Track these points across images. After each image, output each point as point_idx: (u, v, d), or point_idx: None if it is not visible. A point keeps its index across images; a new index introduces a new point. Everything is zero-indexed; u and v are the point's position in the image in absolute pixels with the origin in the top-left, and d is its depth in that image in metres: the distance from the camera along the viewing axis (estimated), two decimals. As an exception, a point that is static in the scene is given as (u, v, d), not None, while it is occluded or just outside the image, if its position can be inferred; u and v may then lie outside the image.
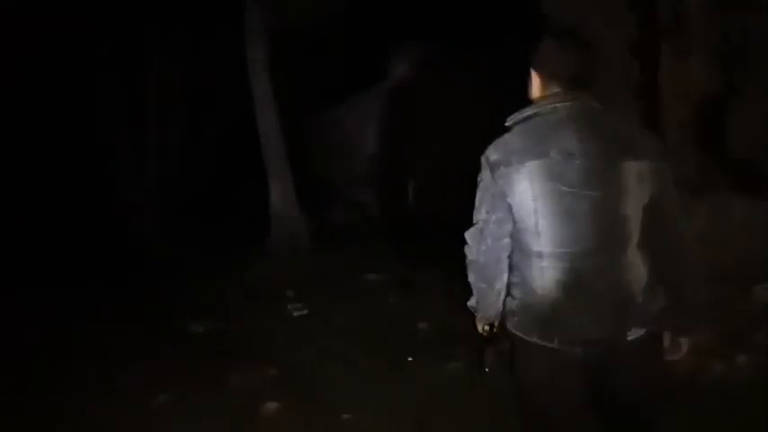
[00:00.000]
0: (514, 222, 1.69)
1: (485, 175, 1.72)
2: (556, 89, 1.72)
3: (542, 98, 1.74)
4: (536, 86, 1.77)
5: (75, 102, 9.17)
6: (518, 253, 1.71)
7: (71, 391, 3.99)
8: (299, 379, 3.96)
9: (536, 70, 1.76)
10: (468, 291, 1.90)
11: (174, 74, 9.50)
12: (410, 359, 4.13)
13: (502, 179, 1.66)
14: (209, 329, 5.16)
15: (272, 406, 3.57)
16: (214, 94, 9.86)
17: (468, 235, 1.79)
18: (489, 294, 1.79)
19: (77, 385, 4.09)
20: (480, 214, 1.75)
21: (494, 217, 1.71)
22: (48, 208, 9.04)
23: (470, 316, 1.98)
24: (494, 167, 1.68)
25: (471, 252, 1.78)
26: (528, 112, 1.73)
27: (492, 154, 1.71)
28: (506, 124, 1.76)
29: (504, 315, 1.81)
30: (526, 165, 1.63)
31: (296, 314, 5.48)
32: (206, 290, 6.22)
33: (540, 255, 1.65)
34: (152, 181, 9.65)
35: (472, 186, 1.79)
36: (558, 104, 1.70)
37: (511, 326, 1.77)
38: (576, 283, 1.64)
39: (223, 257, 7.55)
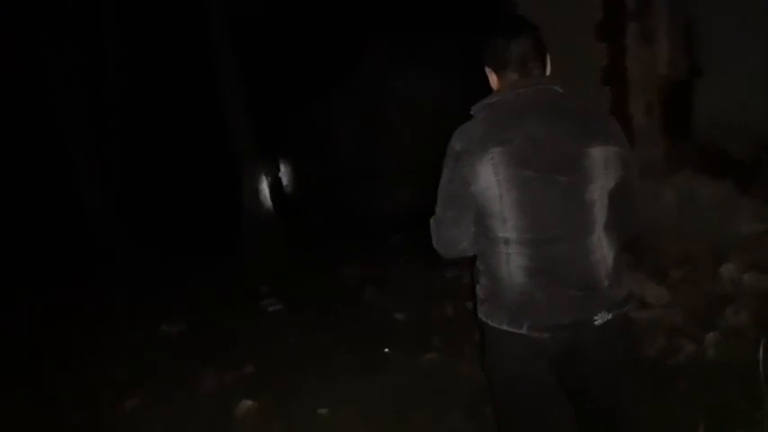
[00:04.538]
0: (479, 210, 1.67)
1: (448, 164, 1.71)
2: (513, 77, 1.71)
3: (503, 87, 1.73)
4: (493, 79, 1.77)
5: (35, 105, 8.98)
6: (484, 240, 1.70)
7: (39, 395, 3.91)
8: (275, 376, 3.91)
9: (488, 64, 1.76)
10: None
11: (136, 75, 9.34)
12: (386, 350, 4.11)
13: (466, 168, 1.65)
14: (181, 329, 5.10)
15: (247, 404, 3.52)
16: (178, 94, 9.71)
17: (430, 224, 1.79)
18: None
19: (46, 389, 4.01)
20: (440, 204, 1.75)
21: (453, 206, 1.71)
22: (9, 211, 8.83)
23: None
24: (458, 156, 1.67)
25: (433, 241, 1.80)
26: (491, 99, 1.72)
27: (456, 142, 1.69)
28: (470, 112, 1.74)
29: (472, 303, 1.80)
30: (490, 152, 1.62)
31: (270, 309, 5.43)
32: (178, 289, 6.11)
33: (506, 241, 1.64)
34: (117, 183, 9.48)
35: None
36: (520, 90, 1.68)
37: (480, 314, 1.77)
38: (542, 268, 1.63)
39: (194, 257, 7.46)
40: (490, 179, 1.62)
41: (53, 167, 9.42)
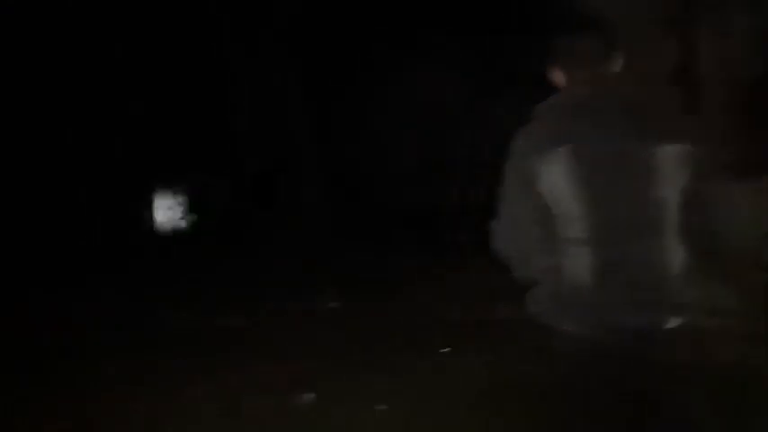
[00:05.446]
0: (543, 210, 1.65)
1: (511, 164, 1.69)
2: (579, 76, 1.68)
3: (569, 86, 1.71)
4: (558, 77, 1.74)
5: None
6: (547, 240, 1.67)
7: (101, 384, 4.07)
8: (334, 370, 3.98)
9: (553, 62, 1.73)
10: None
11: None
12: (445, 350, 4.12)
13: (529, 168, 1.63)
14: (241, 322, 5.24)
15: (308, 397, 3.60)
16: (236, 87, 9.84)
17: (492, 226, 1.78)
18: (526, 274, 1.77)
19: (108, 378, 4.17)
20: (502, 204, 1.73)
21: (516, 206, 1.69)
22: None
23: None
24: (521, 156, 1.65)
25: (494, 241, 1.78)
26: (555, 98, 1.70)
27: (519, 142, 1.68)
28: (534, 113, 1.72)
29: (531, 304, 1.78)
30: (555, 152, 1.60)
31: (328, 305, 5.52)
32: (237, 283, 6.30)
33: (571, 241, 1.62)
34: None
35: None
36: (586, 89, 1.66)
37: (540, 315, 1.74)
38: (608, 270, 1.60)
39: (253, 253, 7.65)
40: (555, 179, 1.60)
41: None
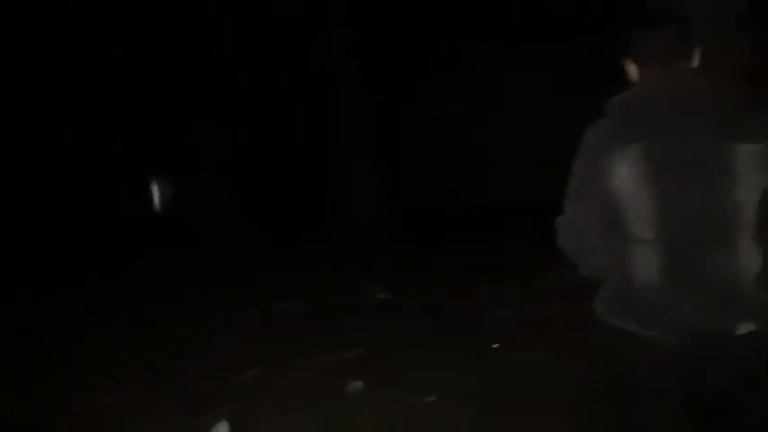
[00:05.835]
0: (613, 207, 1.61)
1: (581, 161, 1.66)
2: (655, 70, 1.64)
3: (644, 80, 1.67)
4: (633, 71, 1.70)
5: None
6: (616, 238, 1.63)
7: (164, 367, 4.24)
8: (383, 361, 4.02)
9: (629, 55, 1.69)
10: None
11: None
12: (495, 346, 4.10)
13: (600, 164, 1.60)
14: (293, 309, 5.34)
15: (357, 385, 3.65)
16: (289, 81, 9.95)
17: (558, 222, 1.75)
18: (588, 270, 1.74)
19: (171, 362, 4.33)
20: (570, 201, 1.70)
21: (584, 203, 1.66)
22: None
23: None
24: (592, 152, 1.62)
25: (560, 238, 1.75)
26: (629, 93, 1.66)
27: (591, 138, 1.64)
28: (606, 107, 1.69)
29: (596, 302, 1.74)
30: (627, 148, 1.56)
31: (377, 296, 5.56)
32: (289, 270, 6.42)
33: (641, 240, 1.57)
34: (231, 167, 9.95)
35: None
36: (662, 84, 1.62)
37: (604, 314, 1.70)
38: (680, 270, 1.55)
39: (303, 241, 7.76)
40: (627, 176, 1.56)
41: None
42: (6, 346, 4.80)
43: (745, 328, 1.56)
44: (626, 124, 1.60)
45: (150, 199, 9.98)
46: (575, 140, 1.71)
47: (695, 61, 1.66)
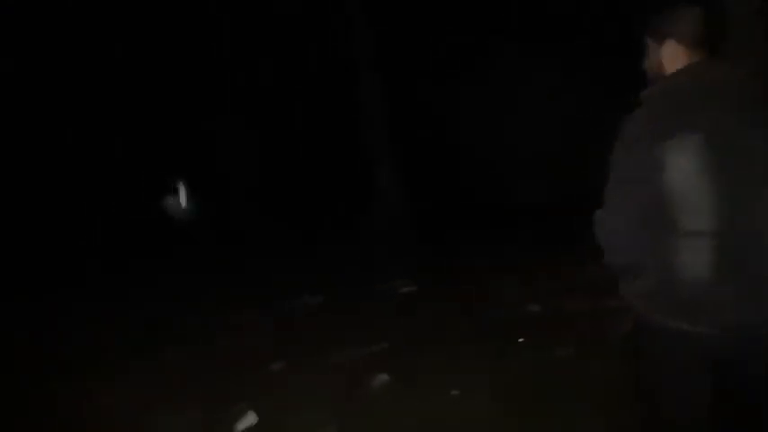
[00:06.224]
0: (653, 200, 1.56)
1: (620, 153, 1.62)
2: (693, 58, 1.60)
3: (679, 69, 1.62)
4: (669, 57, 1.64)
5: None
6: (660, 231, 1.58)
7: (194, 353, 4.34)
8: (408, 354, 4.04)
9: (673, 38, 1.63)
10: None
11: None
12: (520, 340, 4.09)
13: (642, 157, 1.55)
14: (317, 302, 5.39)
15: (382, 378, 3.68)
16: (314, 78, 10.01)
17: (596, 217, 1.71)
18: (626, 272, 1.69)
19: (202, 352, 4.42)
20: (609, 195, 1.66)
21: (623, 197, 1.62)
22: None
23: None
24: (632, 145, 1.58)
25: (597, 233, 1.70)
26: (664, 84, 1.62)
27: (630, 130, 1.60)
28: (641, 97, 1.64)
29: (632, 298, 1.68)
30: (669, 140, 1.52)
31: (402, 291, 5.58)
32: (313, 266, 6.47)
33: (686, 233, 1.53)
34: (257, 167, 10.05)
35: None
36: (699, 73, 1.57)
37: (645, 309, 1.65)
38: (727, 263, 1.52)
39: (327, 238, 7.80)
40: (683, 167, 1.52)
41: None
42: (8, 345, 4.81)
43: None
44: (666, 116, 1.55)
45: (176, 199, 10.11)
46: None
47: (731, 49, 1.61)
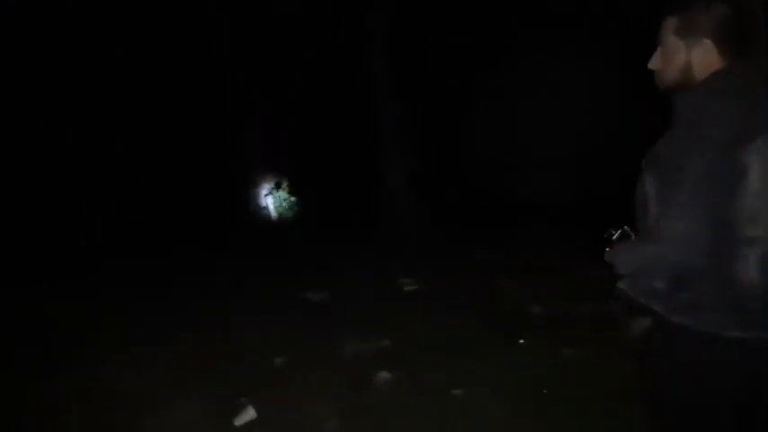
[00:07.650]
0: (714, 206, 1.48)
1: (692, 157, 1.49)
2: (726, 60, 1.54)
3: (715, 71, 1.55)
4: (702, 58, 1.57)
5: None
6: (716, 239, 1.49)
7: (202, 350, 4.30)
8: (411, 352, 4.03)
9: (710, 39, 1.55)
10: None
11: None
12: (522, 341, 4.08)
13: (721, 160, 1.46)
14: (322, 298, 5.37)
15: (384, 375, 3.67)
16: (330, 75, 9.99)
17: (669, 231, 1.54)
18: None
19: (210, 348, 4.37)
20: (684, 205, 1.51)
21: (701, 207, 1.49)
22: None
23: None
24: (711, 148, 1.47)
25: (670, 250, 1.54)
26: (724, 84, 1.53)
27: (708, 134, 1.48)
28: (699, 94, 1.55)
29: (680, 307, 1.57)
30: (752, 144, 1.44)
31: (407, 289, 5.57)
32: (319, 262, 6.45)
33: (750, 240, 1.47)
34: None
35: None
36: (748, 77, 1.52)
37: (690, 321, 1.55)
38: None
39: (334, 234, 7.79)
40: (751, 172, 1.44)
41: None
42: (23, 329, 4.83)
43: None
44: (749, 114, 1.48)
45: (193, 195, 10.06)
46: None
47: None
